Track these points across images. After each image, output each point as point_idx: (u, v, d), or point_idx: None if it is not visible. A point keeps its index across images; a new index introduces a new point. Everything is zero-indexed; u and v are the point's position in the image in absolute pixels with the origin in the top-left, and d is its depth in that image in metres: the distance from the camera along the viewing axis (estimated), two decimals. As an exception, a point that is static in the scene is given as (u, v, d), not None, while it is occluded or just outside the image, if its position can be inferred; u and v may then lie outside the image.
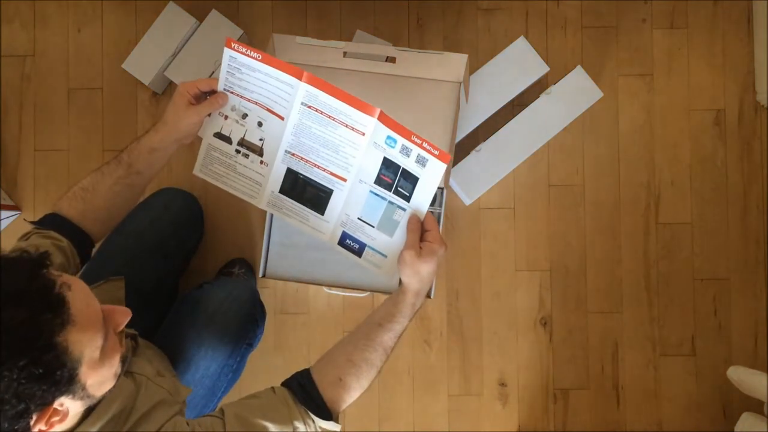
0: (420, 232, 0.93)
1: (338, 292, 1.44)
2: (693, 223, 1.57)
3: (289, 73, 0.92)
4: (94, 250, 1.03)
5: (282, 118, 0.95)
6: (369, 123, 0.93)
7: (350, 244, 1.02)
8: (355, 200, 0.99)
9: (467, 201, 1.48)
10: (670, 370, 1.55)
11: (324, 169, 0.98)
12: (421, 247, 0.91)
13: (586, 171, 1.58)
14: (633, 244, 1.56)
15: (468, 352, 1.55)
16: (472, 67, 1.42)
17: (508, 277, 1.56)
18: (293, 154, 0.98)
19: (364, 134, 0.94)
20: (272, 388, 0.87)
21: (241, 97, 0.97)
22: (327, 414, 0.85)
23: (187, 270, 1.48)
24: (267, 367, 1.48)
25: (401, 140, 0.93)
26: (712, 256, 1.56)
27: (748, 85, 1.58)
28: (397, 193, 0.96)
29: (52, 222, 0.94)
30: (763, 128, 1.58)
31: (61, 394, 0.66)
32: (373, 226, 0.99)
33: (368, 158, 0.96)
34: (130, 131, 1.57)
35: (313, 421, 0.84)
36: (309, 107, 0.93)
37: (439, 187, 1.36)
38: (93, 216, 0.97)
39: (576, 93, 1.46)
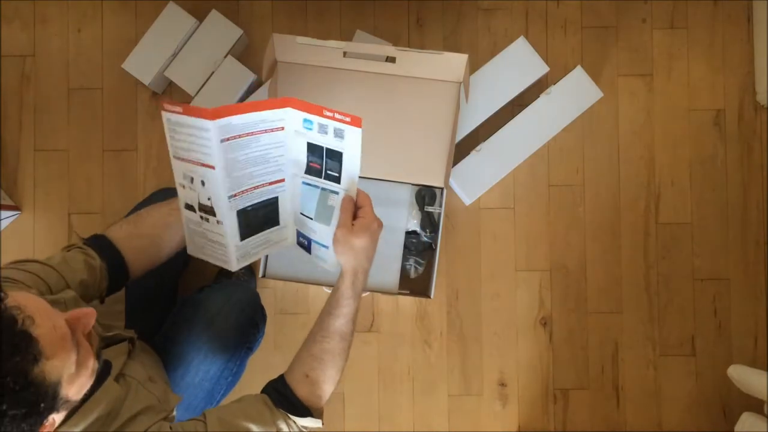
0: (352, 210, 0.92)
1: (338, 292, 1.44)
2: (693, 223, 1.57)
3: (198, 117, 0.89)
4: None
5: (213, 168, 0.92)
6: (284, 115, 0.93)
7: (302, 242, 1.01)
8: (296, 196, 0.99)
9: (467, 201, 1.48)
10: (670, 370, 1.55)
11: (262, 185, 0.97)
12: (353, 225, 0.91)
13: (586, 171, 1.58)
14: (633, 244, 1.56)
15: (468, 352, 1.55)
16: (472, 67, 1.42)
17: (508, 277, 1.56)
18: (235, 195, 0.95)
19: (283, 128, 0.94)
20: (253, 394, 0.89)
21: (184, 159, 0.95)
22: (305, 412, 0.87)
23: (187, 270, 1.48)
24: (266, 367, 1.47)
25: (316, 119, 0.92)
26: (712, 256, 1.56)
27: (748, 85, 1.58)
28: (327, 177, 0.95)
29: (96, 242, 0.95)
30: (763, 128, 1.58)
31: (49, 415, 0.65)
32: (312, 218, 0.98)
33: (294, 150, 0.96)
34: (130, 131, 1.57)
35: (294, 422, 0.86)
36: (228, 140, 0.91)
37: (439, 187, 1.36)
38: (136, 243, 0.97)
39: (576, 93, 1.46)
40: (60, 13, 1.59)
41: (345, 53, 1.29)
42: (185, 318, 1.11)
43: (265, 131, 0.93)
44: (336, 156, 0.94)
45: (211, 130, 0.89)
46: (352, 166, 0.94)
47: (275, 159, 0.96)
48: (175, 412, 0.91)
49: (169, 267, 1.34)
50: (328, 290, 1.42)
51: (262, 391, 0.90)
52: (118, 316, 1.03)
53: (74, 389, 0.69)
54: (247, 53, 1.56)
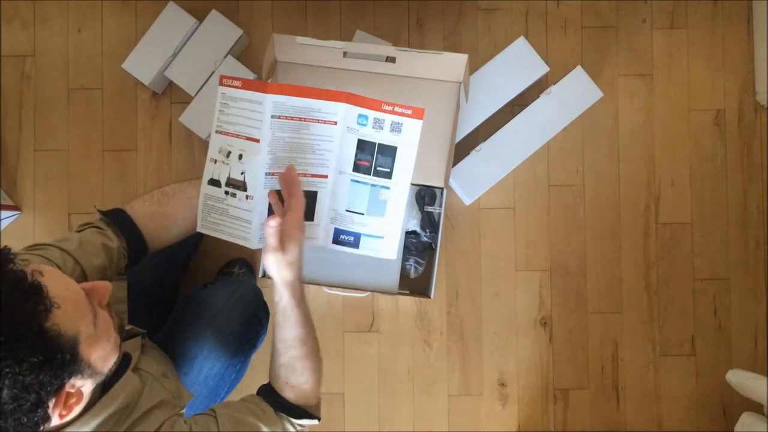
0: (277, 234, 0.88)
1: (338, 292, 1.44)
2: (693, 223, 1.57)
3: (257, 91, 0.92)
4: None
5: (258, 141, 0.94)
6: (339, 110, 0.94)
7: (345, 239, 1.02)
8: (339, 193, 1.00)
9: (467, 201, 1.48)
10: (670, 370, 1.55)
11: (304, 174, 0.98)
12: (282, 246, 0.88)
13: (586, 171, 1.58)
14: (633, 244, 1.56)
15: (468, 352, 1.55)
16: (472, 67, 1.42)
17: (508, 277, 1.56)
18: (273, 174, 0.97)
19: (336, 123, 0.95)
20: (253, 395, 0.92)
21: (227, 134, 0.97)
22: (301, 413, 0.90)
23: (187, 270, 1.48)
24: (267, 366, 1.48)
25: (372, 114, 0.94)
26: (712, 256, 1.56)
27: (748, 85, 1.58)
28: (377, 173, 0.97)
29: (116, 217, 0.95)
30: (763, 128, 1.57)
31: (70, 376, 0.66)
32: (363, 214, 1.00)
33: (344, 147, 0.97)
34: (130, 131, 1.57)
35: (295, 424, 0.90)
36: (279, 118, 0.93)
37: (439, 187, 1.36)
38: (158, 222, 0.98)
39: (576, 93, 1.46)
40: (60, 13, 1.59)
41: (345, 53, 1.28)
42: (188, 315, 1.11)
43: (318, 121, 0.95)
44: (388, 152, 0.96)
45: (264, 103, 0.92)
46: (407, 159, 0.97)
47: (322, 152, 0.97)
48: (184, 410, 0.91)
49: (171, 266, 1.35)
50: (328, 290, 1.42)
51: (258, 394, 0.93)
52: (121, 316, 1.03)
53: (96, 354, 0.69)
54: (247, 53, 1.56)
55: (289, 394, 0.91)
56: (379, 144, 0.96)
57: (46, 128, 1.58)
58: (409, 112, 0.94)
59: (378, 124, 0.95)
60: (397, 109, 0.94)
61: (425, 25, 1.59)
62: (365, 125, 0.95)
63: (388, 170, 0.97)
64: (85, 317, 0.68)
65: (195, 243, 1.47)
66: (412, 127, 0.95)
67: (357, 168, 0.98)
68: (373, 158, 0.97)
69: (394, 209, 0.99)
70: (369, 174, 0.98)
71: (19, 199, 1.57)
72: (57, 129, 1.58)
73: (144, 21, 1.56)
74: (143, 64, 1.50)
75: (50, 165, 1.57)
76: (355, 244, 1.02)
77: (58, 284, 0.66)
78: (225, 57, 1.48)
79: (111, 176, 1.57)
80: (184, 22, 1.49)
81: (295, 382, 0.91)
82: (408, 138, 0.96)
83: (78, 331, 0.66)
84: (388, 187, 0.98)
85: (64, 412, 0.67)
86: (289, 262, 0.89)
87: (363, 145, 0.97)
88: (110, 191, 1.57)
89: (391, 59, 1.29)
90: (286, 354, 0.92)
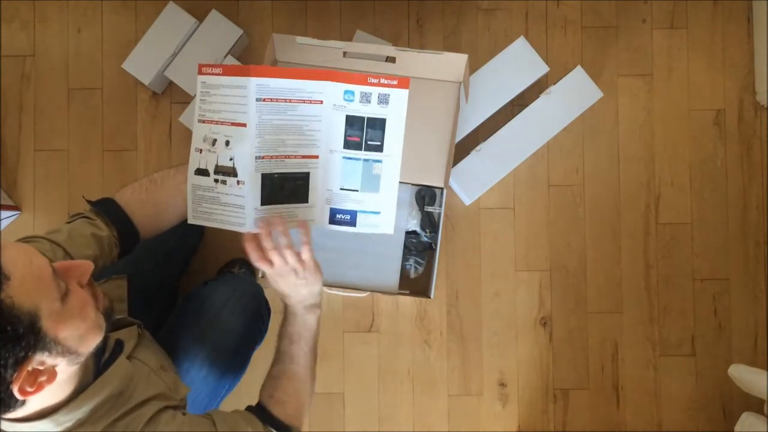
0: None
1: (338, 292, 1.44)
2: (693, 223, 1.57)
3: (239, 75, 0.92)
4: None
5: (245, 125, 0.94)
6: (324, 88, 0.95)
7: (342, 218, 1.03)
8: (332, 172, 1.00)
9: (467, 201, 1.48)
10: (670, 370, 1.55)
11: (295, 156, 0.98)
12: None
13: (586, 171, 1.58)
14: (633, 244, 1.56)
15: (468, 352, 1.55)
16: (472, 67, 1.42)
17: (508, 277, 1.56)
18: (263, 157, 0.96)
19: (322, 102, 0.95)
20: (241, 410, 0.93)
21: (210, 122, 0.96)
22: (286, 429, 0.92)
23: (187, 270, 1.48)
24: (267, 367, 1.48)
25: (358, 89, 0.95)
26: (712, 256, 1.56)
27: (748, 85, 1.58)
28: (368, 148, 0.98)
29: (106, 207, 0.95)
30: (763, 128, 1.58)
31: (32, 351, 0.64)
32: (357, 190, 1.01)
33: (332, 125, 0.97)
34: (130, 131, 1.57)
35: None
36: (264, 100, 0.93)
37: (439, 187, 1.36)
38: (149, 210, 0.98)
39: (576, 93, 1.46)
40: (60, 13, 1.59)
41: (345, 53, 1.28)
42: (189, 312, 1.10)
43: (303, 101, 0.95)
44: (378, 124, 0.97)
45: (248, 87, 0.92)
46: (396, 130, 0.97)
47: (311, 132, 0.97)
48: (187, 407, 0.91)
49: (171, 266, 1.35)
50: (328, 290, 1.41)
51: (247, 410, 0.94)
52: (110, 298, 1.03)
53: (66, 332, 0.67)
54: (247, 53, 1.57)
55: (276, 410, 0.92)
56: (367, 118, 0.97)
57: (46, 128, 1.58)
58: (395, 82, 0.95)
59: (365, 98, 0.96)
60: (383, 80, 0.95)
61: (425, 25, 1.59)
62: (352, 101, 0.96)
63: (379, 143, 0.98)
64: (49, 293, 0.66)
65: (194, 243, 1.47)
66: (399, 97, 0.96)
67: (347, 144, 0.99)
68: (362, 133, 0.98)
69: (388, 183, 1.00)
70: (360, 149, 0.98)
71: (19, 199, 1.57)
72: (57, 129, 1.58)
73: (144, 21, 1.56)
74: (143, 64, 1.50)
75: (50, 165, 1.57)
76: (352, 222, 1.03)
77: (18, 258, 0.64)
78: (225, 57, 1.48)
79: (111, 176, 1.57)
80: (184, 22, 1.49)
81: (279, 397, 0.93)
82: (396, 109, 0.97)
83: (37, 306, 0.64)
84: (380, 161, 0.99)
85: (29, 389, 0.65)
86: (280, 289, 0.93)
87: (352, 121, 0.98)
88: (110, 191, 1.56)
89: (391, 59, 1.29)
90: (276, 366, 0.95)
